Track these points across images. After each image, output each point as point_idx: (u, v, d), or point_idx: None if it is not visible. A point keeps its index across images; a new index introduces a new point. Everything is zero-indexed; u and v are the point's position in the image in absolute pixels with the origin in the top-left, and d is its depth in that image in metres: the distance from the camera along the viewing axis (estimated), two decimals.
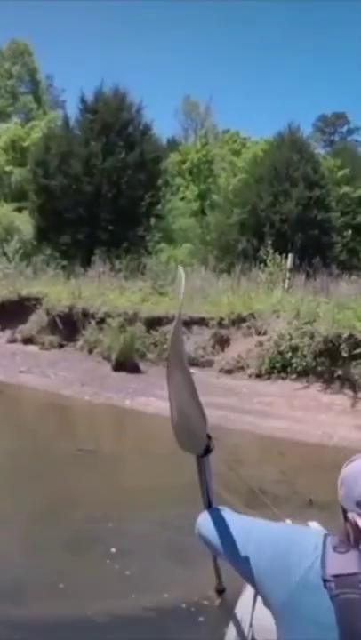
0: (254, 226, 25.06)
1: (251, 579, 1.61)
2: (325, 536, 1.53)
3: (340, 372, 10.82)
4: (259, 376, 11.70)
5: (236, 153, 34.32)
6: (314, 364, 11.12)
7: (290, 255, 15.88)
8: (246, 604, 2.92)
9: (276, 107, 72.72)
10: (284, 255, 16.27)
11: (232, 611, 2.62)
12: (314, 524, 2.89)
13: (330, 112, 51.49)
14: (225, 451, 8.08)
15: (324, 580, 1.41)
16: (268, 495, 6.37)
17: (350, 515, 1.53)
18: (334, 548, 1.49)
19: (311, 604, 1.43)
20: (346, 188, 29.81)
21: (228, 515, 1.78)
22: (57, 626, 3.93)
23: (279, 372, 11.50)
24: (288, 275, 15.36)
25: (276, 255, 16.57)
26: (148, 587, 4.41)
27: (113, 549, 4.93)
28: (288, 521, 3.40)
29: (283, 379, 11.40)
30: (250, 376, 11.82)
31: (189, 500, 6.29)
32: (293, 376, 11.30)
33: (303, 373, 11.24)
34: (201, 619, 4.08)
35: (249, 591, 2.93)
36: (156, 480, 6.80)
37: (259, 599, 2.95)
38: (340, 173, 30.32)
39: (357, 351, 10.65)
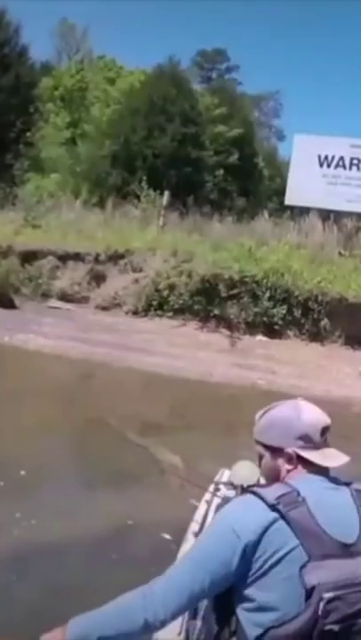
0: (126, 159, 24.69)
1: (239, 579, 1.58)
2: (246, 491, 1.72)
3: (216, 312, 11.16)
4: (135, 313, 11.82)
5: (111, 82, 33.23)
6: (191, 302, 11.37)
7: (166, 192, 15.85)
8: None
9: (155, 37, 70.39)
10: (158, 192, 16.22)
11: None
12: (246, 463, 2.88)
13: (210, 48, 50.31)
14: (113, 388, 8.20)
15: (271, 506, 1.55)
16: (165, 427, 6.62)
17: (289, 450, 1.68)
18: (261, 487, 1.68)
19: (279, 541, 1.53)
20: (221, 127, 29.86)
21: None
22: None
23: (156, 309, 11.67)
24: (163, 212, 15.36)
25: (150, 191, 16.46)
26: (58, 514, 4.41)
27: (22, 471, 4.92)
28: (226, 471, 3.38)
29: (159, 316, 11.59)
30: (127, 313, 11.92)
31: (83, 431, 6.35)
32: (170, 314, 11.50)
33: (180, 312, 11.47)
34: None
35: (190, 540, 2.99)
36: (49, 415, 6.81)
37: None
38: (217, 112, 30.27)
39: (234, 291, 11.00)
